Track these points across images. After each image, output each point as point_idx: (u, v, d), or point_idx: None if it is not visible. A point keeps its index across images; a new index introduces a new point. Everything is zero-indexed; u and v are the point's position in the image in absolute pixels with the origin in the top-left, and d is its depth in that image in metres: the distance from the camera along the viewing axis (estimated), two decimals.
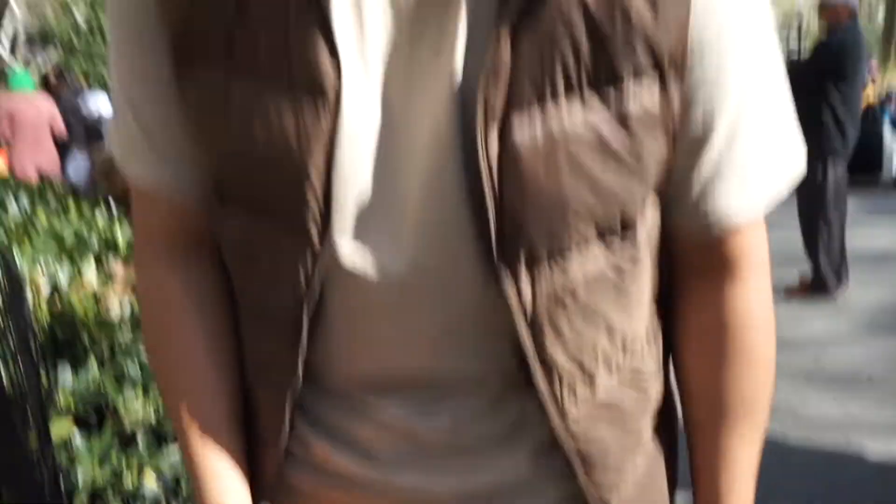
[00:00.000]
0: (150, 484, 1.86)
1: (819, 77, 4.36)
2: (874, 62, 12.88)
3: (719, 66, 0.60)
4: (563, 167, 0.58)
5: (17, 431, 1.56)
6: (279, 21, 0.57)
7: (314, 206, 0.60)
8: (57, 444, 1.81)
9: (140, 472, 1.89)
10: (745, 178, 0.64)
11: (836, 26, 4.39)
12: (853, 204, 6.69)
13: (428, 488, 0.69)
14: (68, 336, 1.95)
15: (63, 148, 6.38)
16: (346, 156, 0.59)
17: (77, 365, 1.89)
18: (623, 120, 0.58)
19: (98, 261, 2.39)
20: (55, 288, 2.06)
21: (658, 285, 0.71)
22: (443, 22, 0.57)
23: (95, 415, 1.91)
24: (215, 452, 0.73)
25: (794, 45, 22.93)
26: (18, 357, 1.74)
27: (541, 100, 0.56)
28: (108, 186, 4.46)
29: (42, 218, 2.81)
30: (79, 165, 5.41)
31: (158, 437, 1.98)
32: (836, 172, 4.46)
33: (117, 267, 2.26)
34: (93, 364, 1.89)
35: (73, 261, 2.32)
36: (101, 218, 2.88)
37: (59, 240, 2.51)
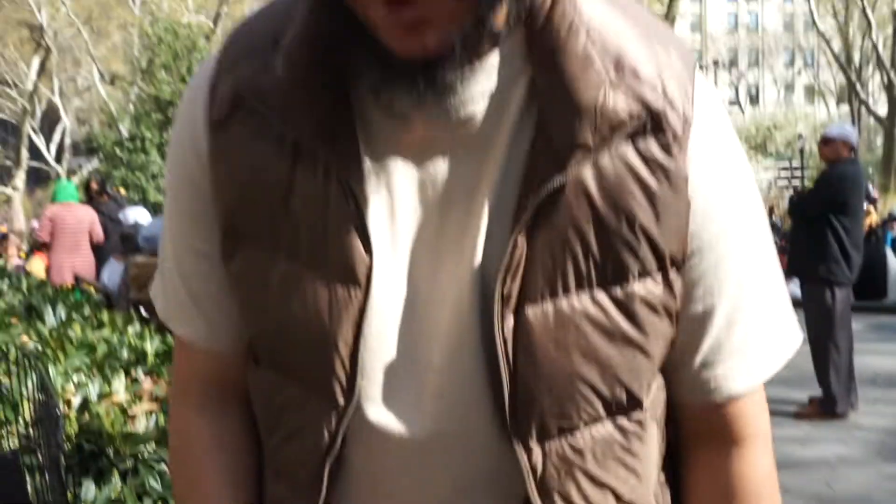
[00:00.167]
0: None
1: (822, 207, 4.52)
2: (875, 189, 13.09)
3: (717, 263, 0.66)
4: (573, 349, 0.63)
5: None
6: (319, 214, 0.65)
7: (340, 373, 0.66)
8: None
9: None
10: (744, 355, 0.69)
11: (837, 160, 4.58)
12: (860, 327, 6.70)
13: None
14: (95, 448, 2.02)
15: (99, 253, 6.63)
16: (373, 330, 0.66)
17: (101, 477, 1.96)
18: (629, 309, 0.63)
19: (126, 372, 2.49)
20: (85, 400, 2.15)
21: (665, 453, 0.74)
22: (466, 217, 0.64)
23: None
24: None
25: (796, 163, 23.35)
26: (46, 470, 1.81)
27: (553, 293, 0.62)
28: (138, 295, 4.63)
29: (77, 329, 2.94)
30: (114, 272, 5.60)
31: None
32: (842, 297, 4.54)
33: (145, 381, 2.36)
34: (115, 478, 1.96)
35: (103, 373, 2.43)
36: (132, 331, 3.00)
37: (90, 351, 2.62)
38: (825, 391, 4.61)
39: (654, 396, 0.70)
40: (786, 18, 56.06)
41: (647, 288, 0.63)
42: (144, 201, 12.83)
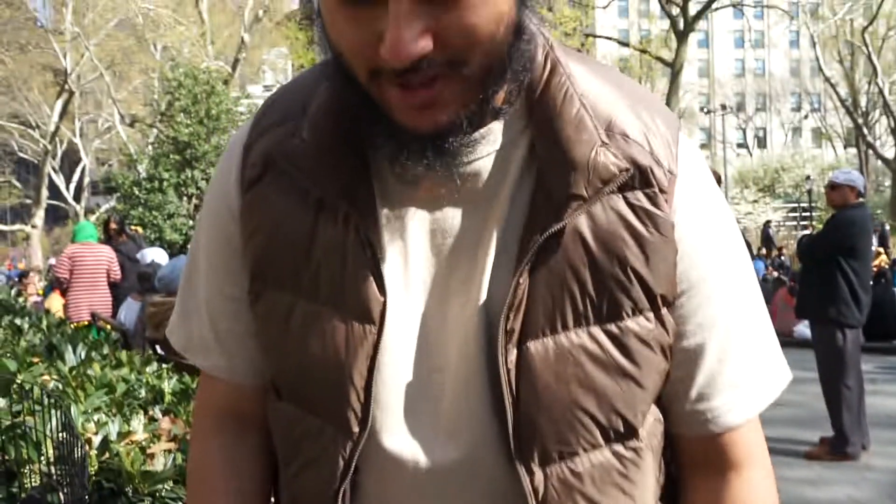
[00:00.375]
0: None
1: (830, 251, 4.57)
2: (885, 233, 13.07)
3: (706, 301, 0.72)
4: (572, 380, 0.69)
5: None
6: (339, 260, 0.72)
7: (355, 403, 0.72)
8: None
9: None
10: (738, 389, 0.74)
11: (844, 205, 4.65)
12: (871, 368, 6.68)
13: None
14: (114, 487, 2.08)
15: (116, 292, 6.73)
16: (386, 364, 0.72)
17: None
18: (624, 344, 0.69)
19: (144, 411, 2.55)
20: (105, 439, 2.21)
21: (664, 480, 0.79)
22: (472, 262, 0.72)
23: None
24: None
25: (804, 203, 23.40)
26: None
27: (553, 329, 0.69)
28: (154, 333, 4.71)
29: (96, 368, 3.02)
30: (130, 310, 5.69)
31: None
32: (852, 338, 4.57)
33: (163, 421, 2.42)
34: None
35: (122, 412, 2.49)
36: (150, 370, 3.07)
37: (110, 390, 2.69)
38: (837, 431, 4.61)
39: (650, 427, 0.74)
40: (792, 64, 56.50)
41: (640, 324, 0.69)
42: (160, 240, 12.99)
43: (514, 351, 0.69)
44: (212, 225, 0.82)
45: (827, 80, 27.59)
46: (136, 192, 14.34)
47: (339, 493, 0.74)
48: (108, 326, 5.25)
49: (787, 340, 9.28)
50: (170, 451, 2.21)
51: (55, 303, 7.31)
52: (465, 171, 0.70)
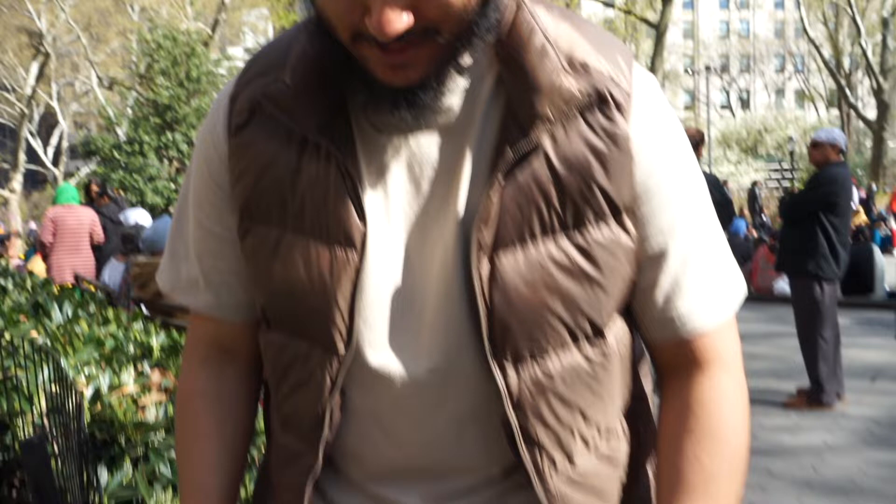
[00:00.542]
0: None
1: (812, 207, 4.65)
2: (861, 189, 13.29)
3: (663, 205, 0.78)
4: (540, 286, 0.74)
5: None
6: (322, 193, 0.78)
7: (339, 323, 0.78)
8: None
9: None
10: (702, 293, 0.80)
11: (826, 163, 4.72)
12: (848, 322, 6.84)
13: None
14: (107, 437, 2.11)
15: (99, 254, 6.71)
16: (369, 284, 0.78)
17: (113, 464, 2.05)
18: (589, 251, 0.75)
19: (134, 366, 2.57)
20: (97, 391, 2.24)
21: (636, 381, 0.84)
22: (448, 186, 0.77)
23: None
24: None
25: (786, 165, 23.64)
26: (65, 457, 1.90)
27: (522, 240, 0.74)
28: (139, 294, 4.71)
29: (83, 325, 3.03)
30: (114, 271, 5.68)
31: None
32: (829, 292, 4.66)
33: (153, 374, 2.45)
34: (127, 464, 2.04)
35: (111, 367, 2.51)
36: (137, 326, 3.08)
37: (98, 346, 2.71)
38: (813, 382, 4.74)
39: (618, 335, 0.80)
40: (776, 25, 56.34)
41: (603, 232, 0.76)
42: (142, 203, 12.89)
43: (487, 261, 0.74)
44: (201, 169, 0.87)
45: (811, 41, 27.55)
46: (116, 156, 14.17)
47: (327, 411, 0.79)
48: (92, 288, 5.24)
49: (768, 297, 9.43)
50: (161, 402, 2.25)
51: (37, 266, 7.27)
52: (437, 106, 0.75)
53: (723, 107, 50.32)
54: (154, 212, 11.28)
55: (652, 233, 0.78)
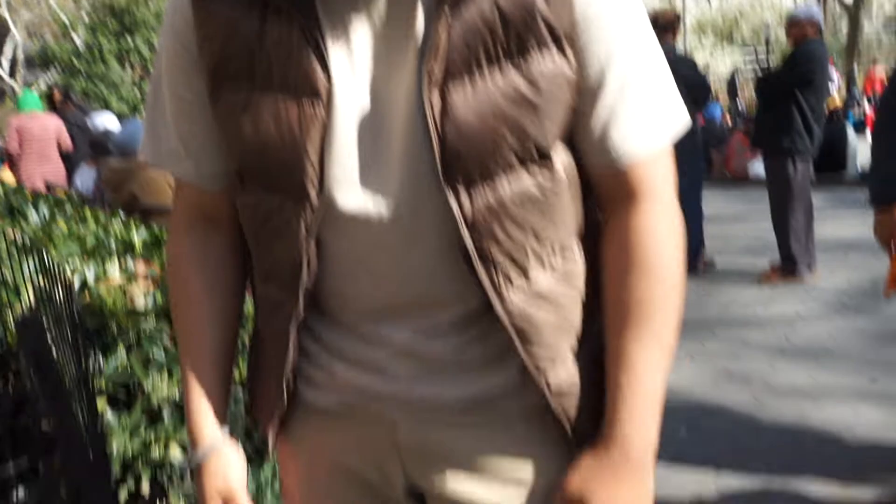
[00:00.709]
0: (176, 454, 2.05)
1: (790, 83, 4.64)
2: (837, 72, 13.24)
3: (603, 34, 0.80)
4: (488, 114, 0.78)
5: (69, 407, 1.75)
6: (286, 53, 0.81)
7: (310, 172, 0.81)
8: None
9: (166, 444, 2.08)
10: (637, 120, 0.83)
11: (803, 40, 4.69)
12: (821, 199, 6.98)
13: (438, 397, 0.87)
14: (98, 326, 2.14)
15: (69, 161, 6.58)
16: (337, 135, 0.81)
17: (107, 351, 2.08)
18: (533, 80, 0.78)
19: (119, 260, 2.58)
20: (84, 283, 2.25)
21: (585, 212, 0.89)
22: (406, 33, 0.80)
23: (125, 394, 2.10)
24: (200, 383, 0.95)
25: (762, 54, 23.43)
26: (60, 343, 1.93)
27: (469, 71, 0.78)
28: (114, 197, 4.66)
29: (62, 225, 3.01)
30: (86, 177, 5.59)
31: (183, 413, 2.17)
32: (803, 169, 4.73)
33: (138, 265, 2.46)
34: (121, 350, 2.08)
35: (95, 260, 2.51)
36: (117, 224, 3.07)
37: (80, 242, 2.70)
38: (785, 256, 4.88)
39: (564, 160, 0.84)
40: None
41: (546, 61, 0.79)
42: (107, 108, 12.54)
43: (438, 93, 0.78)
44: (169, 39, 0.89)
45: None
46: (76, 64, 13.68)
47: (304, 258, 0.83)
48: (64, 194, 5.17)
49: (743, 180, 9.54)
50: (149, 291, 2.26)
51: (6, 177, 7.13)
52: None
53: None
54: (121, 120, 11.00)
55: (591, 61, 0.81)
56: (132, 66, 14.11)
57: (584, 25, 0.80)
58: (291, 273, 0.85)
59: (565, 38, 0.79)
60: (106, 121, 6.23)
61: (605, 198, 0.88)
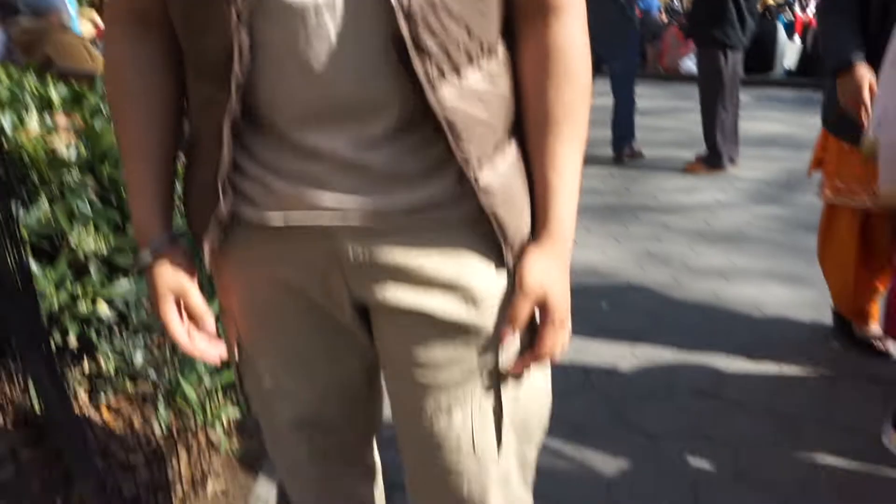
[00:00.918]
0: (104, 310, 2.03)
1: None
2: None
3: None
4: None
5: None
6: None
7: None
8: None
9: (94, 300, 2.05)
10: None
11: None
12: (748, 95, 7.14)
13: (378, 209, 0.88)
14: (18, 175, 2.05)
15: None
16: None
17: (29, 201, 2.01)
18: None
19: (38, 114, 2.44)
20: (0, 129, 2.13)
21: (505, 20, 0.90)
22: None
23: (50, 246, 2.04)
24: (141, 184, 0.96)
25: None
26: None
27: None
28: (27, 58, 4.37)
29: None
30: None
31: (111, 270, 2.13)
32: (733, 61, 4.80)
33: (58, 118, 2.34)
34: (43, 201, 2.00)
35: (11, 112, 2.38)
36: (31, 80, 2.89)
37: None
38: (710, 147, 5.01)
39: None
40: None
41: None
42: None
43: None
44: None
45: None
46: None
47: (235, 46, 0.81)
48: None
49: (675, 75, 9.64)
50: (70, 143, 2.17)
51: None
52: None
53: None
54: None
55: None
56: None
57: None
58: (223, 64, 0.83)
59: None
60: None
61: (524, 9, 0.91)
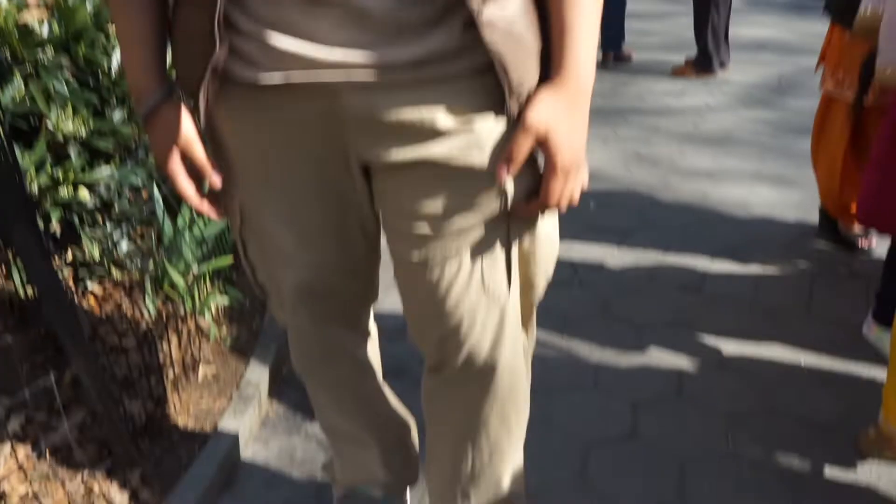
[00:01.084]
0: (85, 196, 1.98)
1: None
2: None
3: None
4: None
5: None
6: None
7: None
8: None
9: (76, 186, 2.00)
10: None
11: None
12: (740, 0, 6.95)
13: (379, 61, 0.84)
14: None
15: None
16: None
17: (2, 80, 1.92)
18: None
19: None
20: None
21: None
22: None
23: (27, 127, 1.97)
24: (134, 35, 0.92)
25: None
26: None
27: None
28: None
29: None
30: None
31: (92, 156, 2.07)
32: None
33: None
34: (18, 78, 1.92)
35: None
36: None
37: None
38: (701, 51, 4.93)
39: None
40: None
41: None
42: None
43: None
44: None
45: None
46: None
47: None
48: None
49: None
50: (43, 20, 2.06)
51: None
52: None
53: None
54: None
55: None
56: None
57: None
58: None
59: None
60: None
61: None
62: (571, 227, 2.90)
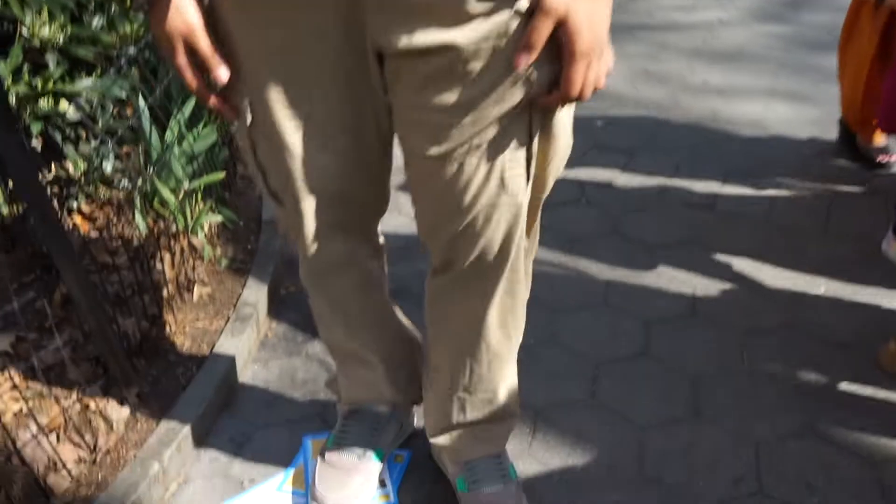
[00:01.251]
0: (66, 108, 1.87)
1: None
2: None
3: None
4: None
5: None
6: None
7: None
8: None
9: (56, 99, 1.89)
10: None
11: None
12: None
13: None
14: None
15: None
16: None
17: None
18: None
19: None
20: None
21: None
22: None
23: (3, 38, 1.86)
24: None
25: None
26: None
27: None
28: None
29: None
30: None
31: (73, 67, 1.95)
32: None
33: None
34: None
35: None
36: None
37: None
38: None
39: None
40: None
41: None
42: None
43: None
44: None
45: None
46: None
47: None
48: None
49: None
50: None
51: None
52: None
53: None
54: None
55: None
56: None
57: None
58: None
59: None
60: None
61: None
62: (577, 145, 2.77)
